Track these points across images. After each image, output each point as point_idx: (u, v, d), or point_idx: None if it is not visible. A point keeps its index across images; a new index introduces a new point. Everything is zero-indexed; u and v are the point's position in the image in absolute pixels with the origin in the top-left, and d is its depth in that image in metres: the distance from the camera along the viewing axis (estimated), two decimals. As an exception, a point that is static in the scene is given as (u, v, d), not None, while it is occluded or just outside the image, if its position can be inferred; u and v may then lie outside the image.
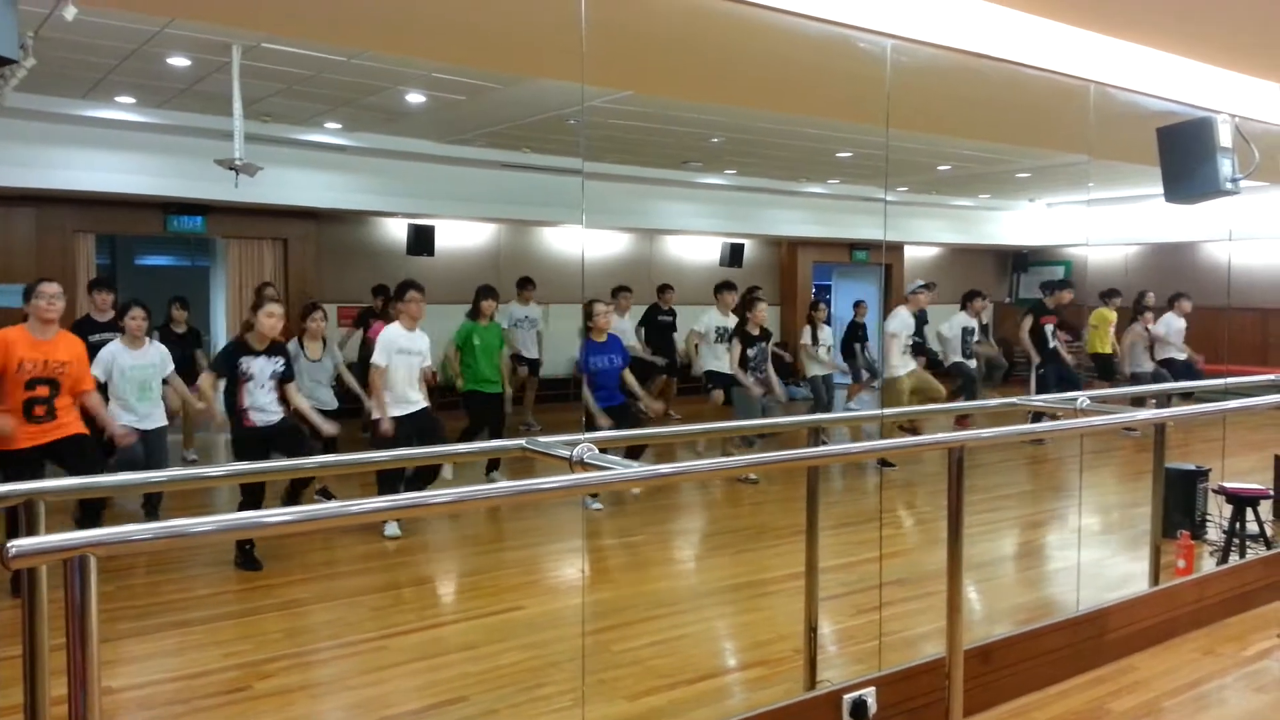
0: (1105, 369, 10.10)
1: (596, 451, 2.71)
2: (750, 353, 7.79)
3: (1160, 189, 5.01)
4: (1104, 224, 13.76)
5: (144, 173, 8.86)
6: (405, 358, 6.10)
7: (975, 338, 9.34)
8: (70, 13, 3.72)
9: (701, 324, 8.43)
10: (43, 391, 4.73)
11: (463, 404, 7.42)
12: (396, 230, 11.50)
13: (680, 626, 4.51)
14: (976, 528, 5.99)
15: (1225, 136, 4.78)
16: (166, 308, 7.89)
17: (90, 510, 5.03)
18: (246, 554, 5.31)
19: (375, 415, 6.08)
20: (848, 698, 3.15)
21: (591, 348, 6.94)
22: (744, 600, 4.97)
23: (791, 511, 6.38)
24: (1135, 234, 13.46)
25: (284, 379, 5.63)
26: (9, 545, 1.65)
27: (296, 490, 5.62)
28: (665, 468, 2.97)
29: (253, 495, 5.24)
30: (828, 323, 9.58)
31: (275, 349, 5.61)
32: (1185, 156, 4.88)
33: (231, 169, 6.57)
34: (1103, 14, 4.06)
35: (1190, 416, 6.20)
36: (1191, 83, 4.78)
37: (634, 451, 5.72)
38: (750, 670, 4.01)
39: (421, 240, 11.40)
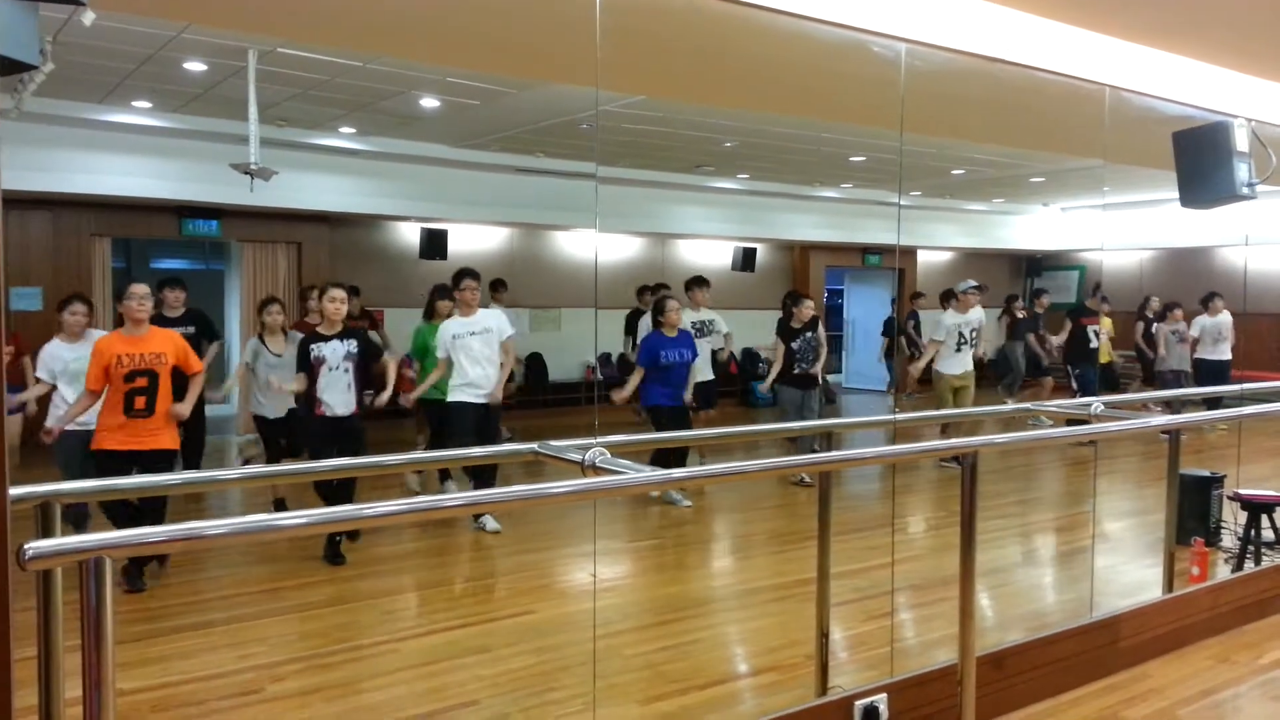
0: (1104, 377, 10.09)
1: (609, 456, 2.71)
2: (794, 345, 7.85)
3: (1176, 193, 4.97)
4: (1119, 229, 13.68)
5: (160, 177, 8.92)
6: (468, 340, 6.17)
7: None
8: (88, 18, 3.75)
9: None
10: (142, 383, 4.93)
11: (423, 413, 7.13)
12: (410, 234, 11.54)
13: (692, 631, 4.50)
14: (989, 533, 5.97)
15: (1242, 141, 4.75)
16: (156, 290, 7.69)
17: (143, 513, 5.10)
18: (334, 547, 5.48)
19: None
20: (859, 704, 3.14)
21: (662, 341, 6.95)
22: (756, 605, 4.96)
23: (802, 516, 6.38)
24: (1150, 239, 13.39)
25: (362, 362, 5.69)
26: (26, 547, 1.66)
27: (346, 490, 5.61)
28: (678, 472, 2.98)
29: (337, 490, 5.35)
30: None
31: (347, 333, 5.69)
32: (1201, 161, 4.85)
33: (247, 173, 6.61)
34: (1118, 18, 4.04)
35: (1205, 422, 6.15)
36: (1207, 87, 4.75)
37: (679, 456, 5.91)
38: (762, 676, 4.01)
39: (435, 244, 11.43)
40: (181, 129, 8.58)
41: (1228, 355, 9.88)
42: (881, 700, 3.16)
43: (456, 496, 2.55)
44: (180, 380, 5.12)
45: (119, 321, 6.51)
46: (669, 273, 12.84)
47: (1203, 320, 9.98)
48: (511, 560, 5.92)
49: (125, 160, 8.76)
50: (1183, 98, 4.69)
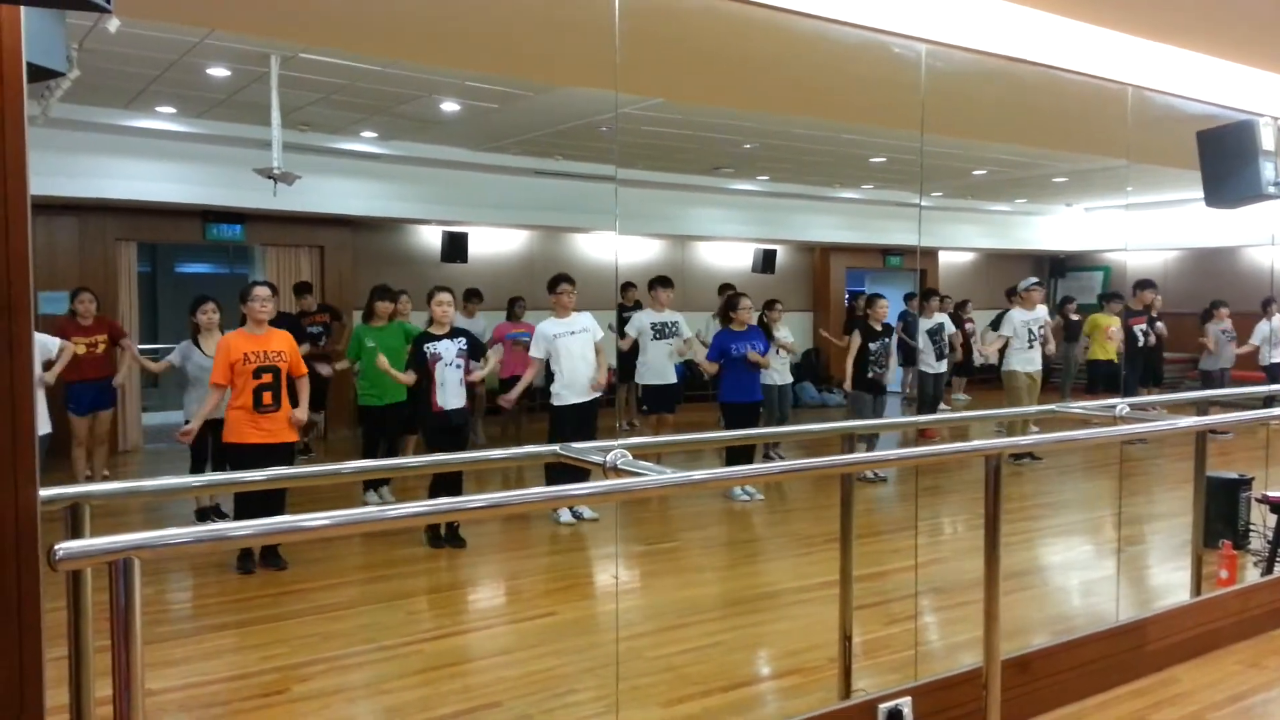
0: (1108, 378, 9.99)
1: (630, 457, 2.71)
2: (872, 347, 7.95)
3: (1200, 193, 4.93)
4: (1143, 229, 13.56)
5: (184, 181, 9.00)
6: (568, 340, 6.38)
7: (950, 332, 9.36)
8: (113, 24, 3.79)
9: (633, 325, 7.91)
10: (268, 379, 5.29)
11: (359, 420, 7.07)
12: (431, 237, 11.58)
13: (714, 634, 4.50)
14: (1014, 536, 5.92)
15: (1268, 139, 4.69)
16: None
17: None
18: (452, 531, 5.81)
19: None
20: (883, 707, 3.12)
21: (731, 336, 7.20)
22: (778, 608, 4.95)
23: (825, 519, 6.35)
24: (1175, 239, 13.26)
25: (472, 357, 6.09)
26: (56, 548, 1.68)
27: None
28: (699, 474, 2.96)
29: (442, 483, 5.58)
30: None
31: (456, 333, 6.04)
32: (1226, 160, 4.80)
33: (270, 177, 6.66)
34: (1140, 17, 4.01)
35: (1233, 424, 6.09)
36: (1232, 85, 4.70)
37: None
38: (785, 679, 3.99)
39: (455, 247, 11.48)
40: (205, 134, 8.65)
41: None
42: (906, 704, 3.14)
43: (479, 498, 2.55)
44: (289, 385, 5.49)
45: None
46: (689, 274, 12.84)
47: (1263, 326, 9.88)
48: (533, 562, 5.93)
49: (150, 165, 8.85)
50: (1207, 96, 4.65)
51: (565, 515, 6.40)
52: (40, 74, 1.95)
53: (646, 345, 7.60)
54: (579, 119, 8.36)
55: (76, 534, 2.17)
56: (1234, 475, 5.59)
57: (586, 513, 6.47)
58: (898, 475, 7.82)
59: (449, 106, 8.10)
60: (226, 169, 8.67)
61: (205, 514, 6.17)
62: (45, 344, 5.78)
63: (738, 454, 6.44)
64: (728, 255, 13.65)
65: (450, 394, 5.92)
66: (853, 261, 14.71)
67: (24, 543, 1.85)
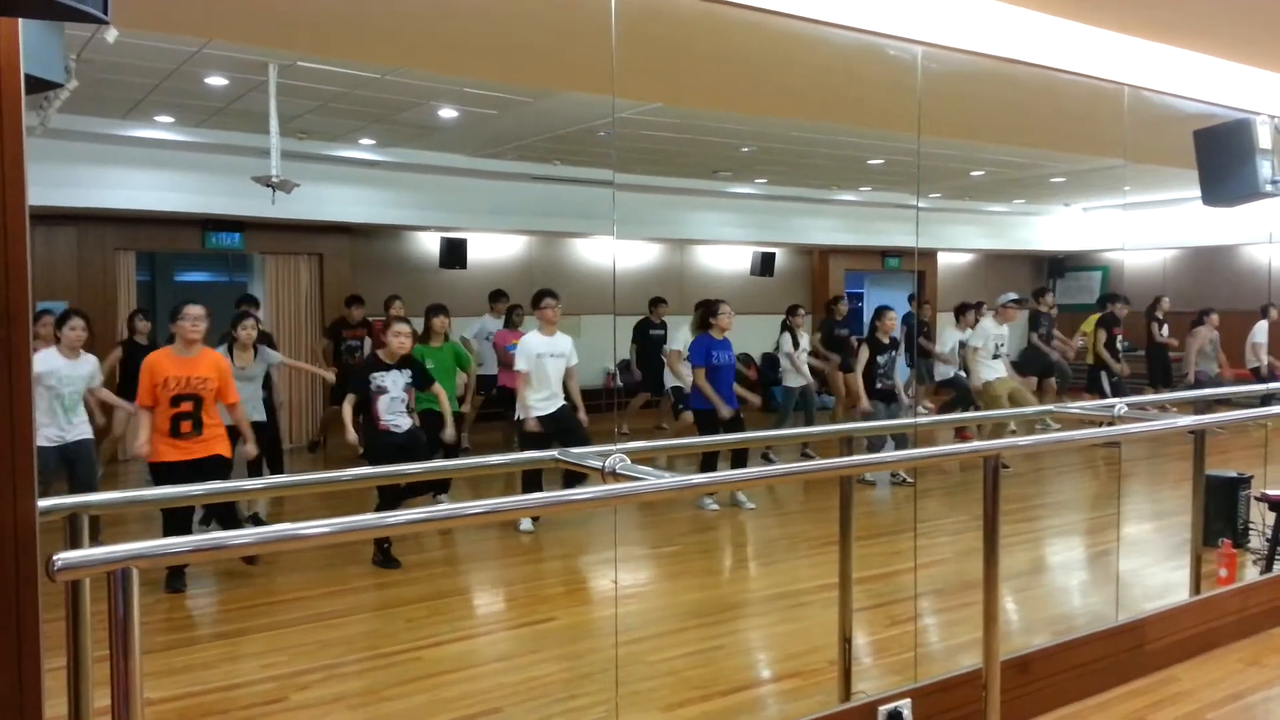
0: (1097, 380, 10.02)
1: (629, 462, 2.72)
2: (880, 360, 8.01)
3: (1198, 192, 4.94)
4: (1141, 228, 13.57)
5: (183, 190, 9.00)
6: (550, 360, 6.46)
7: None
8: (111, 35, 3.81)
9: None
10: (187, 408, 5.03)
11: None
12: (429, 244, 11.59)
13: (714, 638, 4.50)
14: (1013, 537, 5.92)
15: (1264, 138, 4.70)
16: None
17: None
18: (385, 553, 5.64)
19: (519, 415, 6.55)
20: (883, 709, 3.12)
21: (712, 343, 7.14)
22: (778, 611, 4.95)
23: (825, 521, 6.35)
24: (1173, 238, 13.27)
25: (416, 388, 6.01)
26: (55, 558, 1.68)
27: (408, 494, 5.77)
28: (699, 478, 2.97)
29: (390, 496, 5.49)
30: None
31: (404, 363, 5.95)
32: (1223, 159, 4.81)
33: (268, 186, 6.67)
34: (1136, 17, 4.02)
35: (1232, 422, 6.09)
36: (1228, 84, 4.71)
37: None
38: (785, 682, 4.00)
39: (454, 253, 11.48)
40: (203, 143, 8.66)
41: None
42: (906, 705, 3.14)
43: (478, 504, 2.55)
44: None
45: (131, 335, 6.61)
46: (688, 278, 12.85)
47: (1263, 326, 9.88)
48: (532, 567, 5.93)
49: (148, 175, 8.85)
50: (1203, 95, 4.66)
51: (525, 524, 6.40)
52: (39, 85, 1.96)
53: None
54: (577, 124, 8.37)
55: (75, 544, 2.18)
56: (1233, 474, 5.60)
57: (524, 524, 6.40)
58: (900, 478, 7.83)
59: (447, 113, 8.11)
60: (225, 178, 8.67)
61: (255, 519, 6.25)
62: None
63: (712, 462, 6.47)
64: (726, 259, 13.65)
65: (395, 419, 5.84)
66: (851, 264, 14.71)
67: (23, 553, 1.85)
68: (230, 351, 6.19)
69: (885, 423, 7.79)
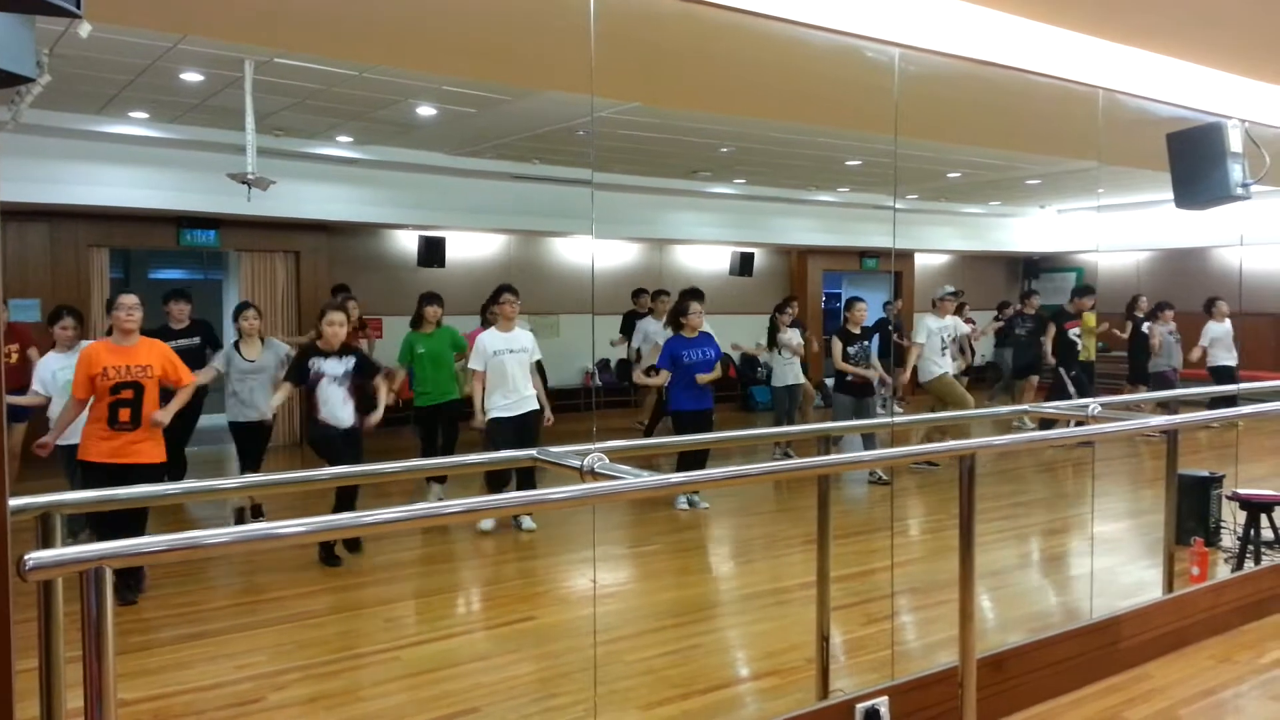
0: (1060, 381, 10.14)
1: (607, 461, 2.72)
2: (850, 350, 7.98)
3: (1171, 194, 4.99)
4: (1115, 230, 13.71)
5: (157, 187, 8.92)
6: (508, 357, 6.30)
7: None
8: (85, 29, 3.76)
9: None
10: (127, 395, 4.87)
11: (414, 420, 7.17)
12: (408, 242, 11.55)
13: (693, 636, 4.51)
14: (989, 536, 5.97)
15: (1235, 141, 4.76)
16: (163, 304, 7.82)
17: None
18: (328, 550, 5.58)
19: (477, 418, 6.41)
20: (860, 707, 3.14)
21: (682, 343, 7.01)
22: (756, 610, 4.96)
23: (802, 521, 6.37)
24: (1146, 239, 13.42)
25: (358, 379, 5.81)
26: (27, 558, 1.66)
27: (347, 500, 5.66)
28: (676, 476, 2.98)
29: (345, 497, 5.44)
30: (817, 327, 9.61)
31: (345, 351, 5.82)
32: (1195, 162, 4.86)
33: (244, 183, 6.61)
34: (1111, 21, 4.06)
35: (1203, 422, 6.16)
36: (1201, 88, 4.77)
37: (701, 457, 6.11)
38: (763, 680, 4.01)
39: (432, 252, 11.44)
40: (178, 139, 8.58)
41: (1235, 360, 9.89)
42: (883, 703, 3.16)
43: (457, 503, 2.55)
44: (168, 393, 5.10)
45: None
46: (666, 278, 12.86)
47: (1213, 328, 9.97)
48: (511, 566, 5.92)
49: (122, 171, 8.76)
50: (1176, 99, 4.71)
51: (486, 524, 6.35)
52: (10, 80, 1.93)
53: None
54: (556, 123, 8.36)
55: (47, 543, 2.15)
56: (1205, 473, 5.67)
57: (526, 522, 6.38)
58: (861, 477, 7.86)
59: (425, 111, 8.08)
60: (200, 174, 8.61)
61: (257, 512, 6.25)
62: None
63: (689, 462, 6.32)
64: (705, 259, 13.68)
65: (334, 410, 5.69)
66: (830, 264, 14.78)
67: (-6, 552, 1.83)
68: (237, 346, 6.32)
69: (862, 422, 7.83)
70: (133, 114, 8.11)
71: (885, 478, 7.66)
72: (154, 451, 4.97)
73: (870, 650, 4.06)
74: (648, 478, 2.65)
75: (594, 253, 12.10)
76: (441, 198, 10.52)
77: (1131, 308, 10.53)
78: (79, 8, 1.63)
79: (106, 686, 1.70)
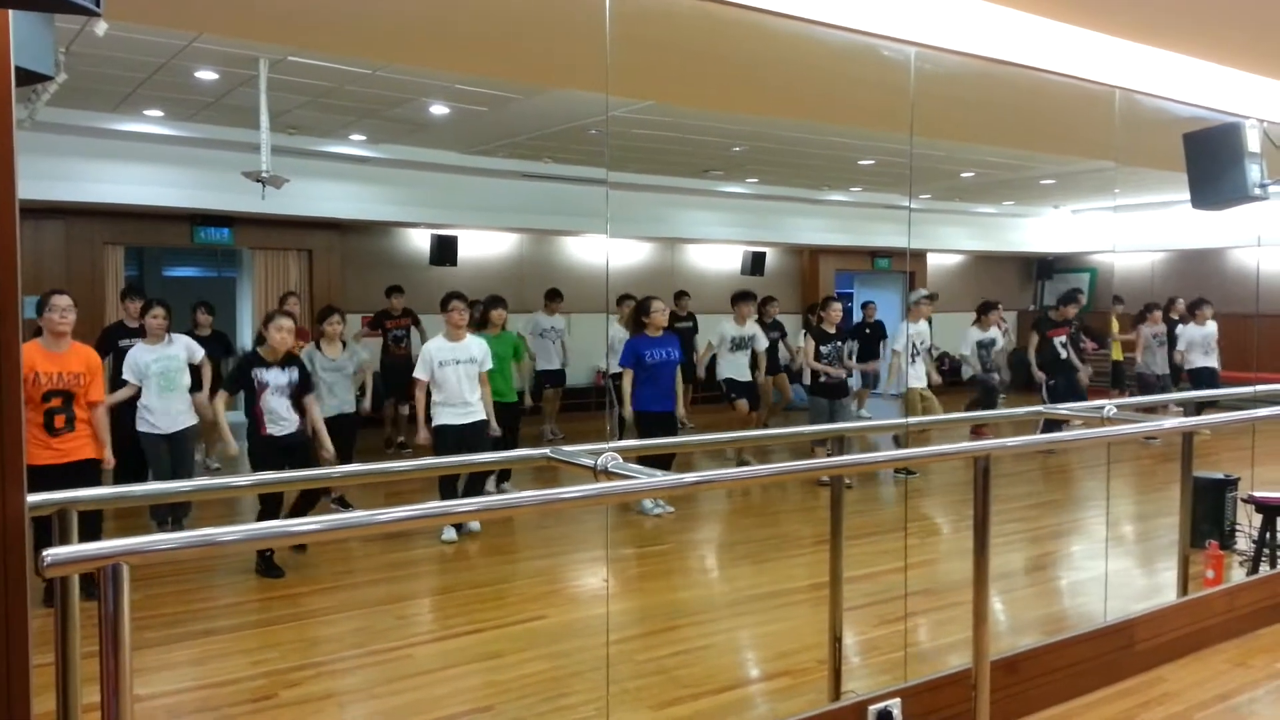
0: (1072, 381, 10.06)
1: (621, 460, 2.72)
2: (824, 350, 7.96)
3: (1187, 195, 4.96)
4: (1130, 231, 13.64)
5: (172, 185, 8.96)
6: (454, 368, 6.18)
7: (997, 348, 9.26)
8: (102, 28, 3.78)
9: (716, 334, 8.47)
10: (57, 403, 4.75)
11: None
12: (420, 240, 11.57)
13: (704, 636, 4.50)
14: (1002, 538, 5.94)
15: (1253, 141, 4.72)
16: (191, 313, 8.01)
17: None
18: (268, 561, 5.39)
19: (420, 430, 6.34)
20: (873, 709, 3.13)
21: (645, 342, 6.80)
22: (768, 610, 4.95)
23: (814, 521, 6.36)
24: (1162, 240, 13.34)
25: (299, 391, 5.67)
26: (44, 554, 1.67)
27: (309, 502, 5.68)
28: (690, 476, 2.97)
29: (271, 505, 5.34)
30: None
31: (289, 360, 5.68)
32: (1212, 162, 4.83)
33: (258, 181, 6.64)
34: (1128, 20, 4.04)
35: (1219, 424, 6.13)
36: (1218, 87, 4.74)
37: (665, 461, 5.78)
38: (775, 680, 4.00)
39: (445, 250, 11.46)
40: (193, 137, 8.62)
41: (1217, 363, 9.78)
42: (895, 705, 3.15)
43: (469, 502, 2.56)
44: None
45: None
46: (679, 277, 12.86)
47: (1190, 331, 9.83)
48: (524, 565, 5.93)
49: (138, 169, 8.81)
50: (1193, 99, 4.68)
51: (449, 533, 6.19)
52: (28, 77, 1.94)
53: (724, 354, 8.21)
54: (569, 122, 8.36)
55: (64, 540, 2.16)
56: (1220, 476, 5.63)
57: (474, 526, 6.32)
58: (890, 477, 7.84)
59: (438, 109, 8.09)
60: (214, 172, 8.64)
61: (343, 503, 6.46)
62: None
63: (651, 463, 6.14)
64: (717, 258, 13.67)
65: (278, 421, 5.55)
66: (842, 264, 14.75)
67: (11, 548, 1.84)
68: (319, 346, 6.56)
69: (884, 422, 7.78)
70: (148, 112, 8.15)
71: (849, 483, 7.50)
72: (93, 449, 4.88)
73: (883, 652, 4.05)
74: (662, 477, 2.65)
75: (608, 252, 12.09)
76: (454, 196, 10.54)
77: (1167, 310, 10.41)
78: (99, 6, 1.63)
79: (123, 682, 1.71)
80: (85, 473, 4.79)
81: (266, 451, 5.54)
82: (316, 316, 7.01)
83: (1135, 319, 10.28)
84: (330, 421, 6.19)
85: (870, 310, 9.97)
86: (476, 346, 6.30)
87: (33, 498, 1.97)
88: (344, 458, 6.23)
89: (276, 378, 5.58)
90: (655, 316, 6.85)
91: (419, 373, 6.25)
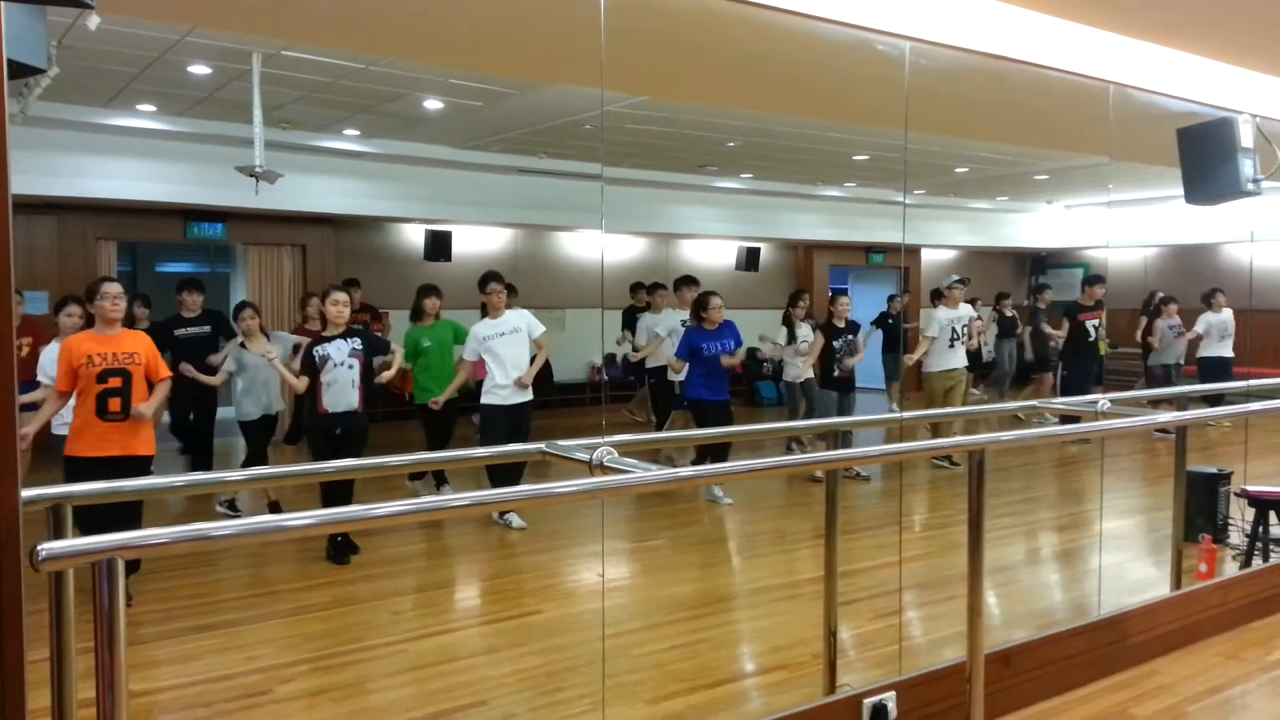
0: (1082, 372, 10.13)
1: (616, 455, 2.72)
2: (836, 344, 8.03)
3: (1181, 190, 4.97)
4: (1124, 226, 13.67)
5: (165, 180, 8.93)
6: (499, 340, 6.35)
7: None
8: (94, 22, 3.76)
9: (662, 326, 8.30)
10: (116, 383, 4.76)
11: (419, 417, 7.11)
12: (414, 236, 11.56)
13: (700, 630, 4.50)
14: (996, 531, 5.96)
15: (1246, 137, 4.74)
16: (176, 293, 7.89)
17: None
18: (338, 546, 5.54)
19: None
20: (868, 702, 3.14)
21: (702, 335, 7.08)
22: (763, 604, 4.96)
23: (811, 515, 6.38)
24: (1156, 236, 13.37)
25: (366, 355, 5.78)
26: (39, 549, 1.67)
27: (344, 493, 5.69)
28: (684, 471, 2.98)
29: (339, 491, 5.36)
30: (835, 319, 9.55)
31: (349, 333, 5.76)
32: (1206, 157, 4.84)
33: (252, 176, 6.62)
34: (1122, 15, 4.04)
35: (1212, 419, 6.15)
36: (1212, 83, 4.74)
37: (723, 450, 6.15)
38: (770, 674, 4.01)
39: (439, 246, 11.45)
40: (186, 132, 8.59)
41: (1231, 352, 9.86)
42: (890, 698, 3.16)
43: (463, 496, 2.55)
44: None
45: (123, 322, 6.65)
46: (673, 273, 12.83)
47: (1209, 317, 9.93)
48: (518, 560, 5.92)
49: (130, 164, 8.78)
50: (1187, 94, 4.68)
51: (517, 520, 6.36)
52: (20, 71, 1.93)
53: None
54: (563, 117, 8.35)
55: (59, 534, 2.16)
56: (1213, 470, 5.65)
57: (516, 521, 6.37)
58: (882, 471, 7.85)
59: (432, 104, 8.08)
60: (208, 167, 8.62)
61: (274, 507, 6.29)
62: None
63: (708, 453, 6.39)
64: (712, 253, 13.67)
65: (338, 395, 5.60)
66: (836, 259, 14.77)
67: (5, 543, 1.83)
68: (244, 345, 6.44)
69: (872, 417, 7.83)
70: (140, 107, 8.13)
71: (861, 472, 7.65)
72: (144, 444, 4.88)
73: (878, 645, 4.06)
74: (656, 471, 2.65)
75: (603, 247, 12.09)
76: (448, 191, 10.52)
77: (1147, 304, 10.48)
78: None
79: (118, 677, 1.71)
80: (135, 469, 4.75)
81: (319, 430, 5.65)
82: (232, 311, 6.83)
83: (1151, 312, 10.33)
84: (257, 423, 6.29)
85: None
86: (519, 318, 6.49)
87: (27, 493, 1.96)
88: (260, 460, 6.32)
89: (339, 349, 5.65)
90: (713, 312, 7.14)
91: (467, 354, 6.44)
